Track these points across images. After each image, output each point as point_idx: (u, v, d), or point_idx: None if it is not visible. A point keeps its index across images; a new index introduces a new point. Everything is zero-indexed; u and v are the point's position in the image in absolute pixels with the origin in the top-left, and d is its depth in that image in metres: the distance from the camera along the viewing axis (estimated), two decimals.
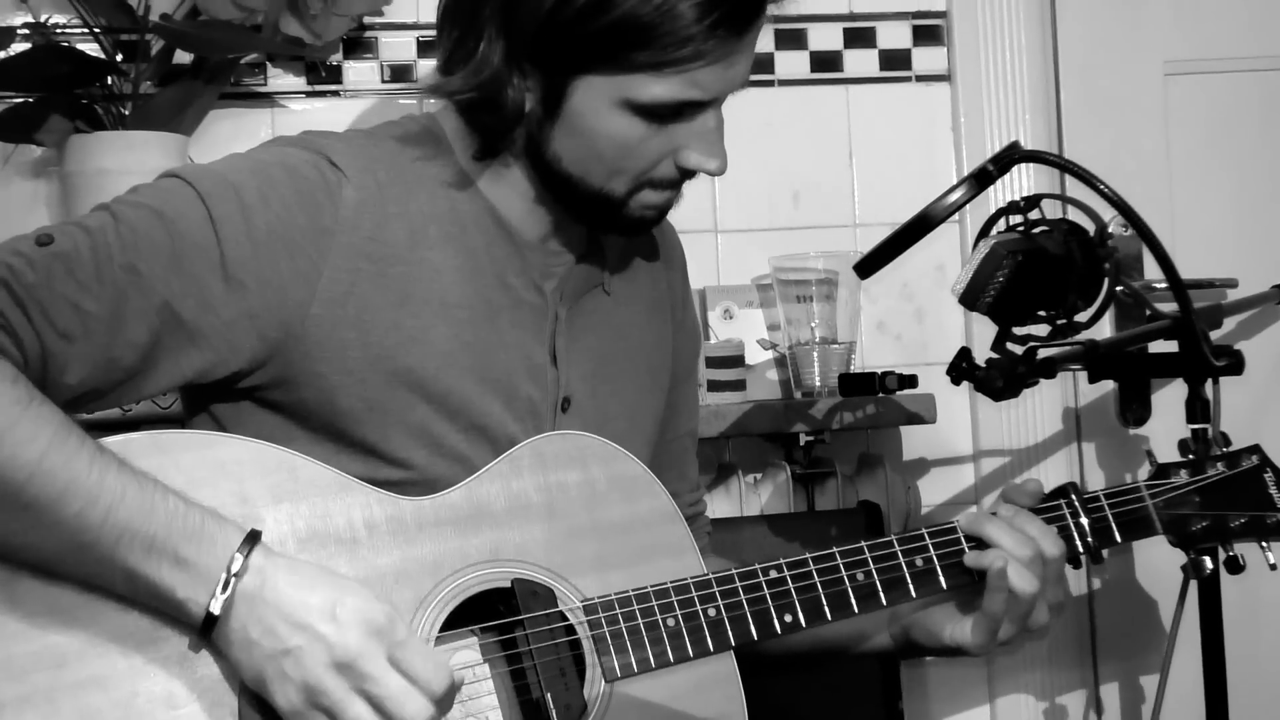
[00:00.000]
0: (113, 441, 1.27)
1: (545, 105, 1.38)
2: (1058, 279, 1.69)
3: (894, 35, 2.60)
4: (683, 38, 1.33)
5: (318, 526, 1.33)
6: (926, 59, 2.61)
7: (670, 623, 1.40)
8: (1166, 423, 2.09)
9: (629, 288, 1.58)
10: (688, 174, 1.43)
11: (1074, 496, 1.62)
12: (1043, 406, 2.55)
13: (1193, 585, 1.82)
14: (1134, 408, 2.29)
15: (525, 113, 1.39)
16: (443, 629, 1.35)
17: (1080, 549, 1.60)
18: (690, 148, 1.40)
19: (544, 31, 1.35)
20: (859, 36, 2.58)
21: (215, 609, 1.24)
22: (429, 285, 1.41)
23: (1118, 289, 1.74)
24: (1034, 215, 1.73)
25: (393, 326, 1.39)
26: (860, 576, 1.48)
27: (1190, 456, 1.71)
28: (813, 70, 2.55)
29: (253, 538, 1.26)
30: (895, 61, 2.60)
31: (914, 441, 2.55)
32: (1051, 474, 2.53)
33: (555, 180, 1.42)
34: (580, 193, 1.41)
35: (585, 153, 1.39)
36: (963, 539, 1.54)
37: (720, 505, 2.40)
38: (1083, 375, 2.09)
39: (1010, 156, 1.67)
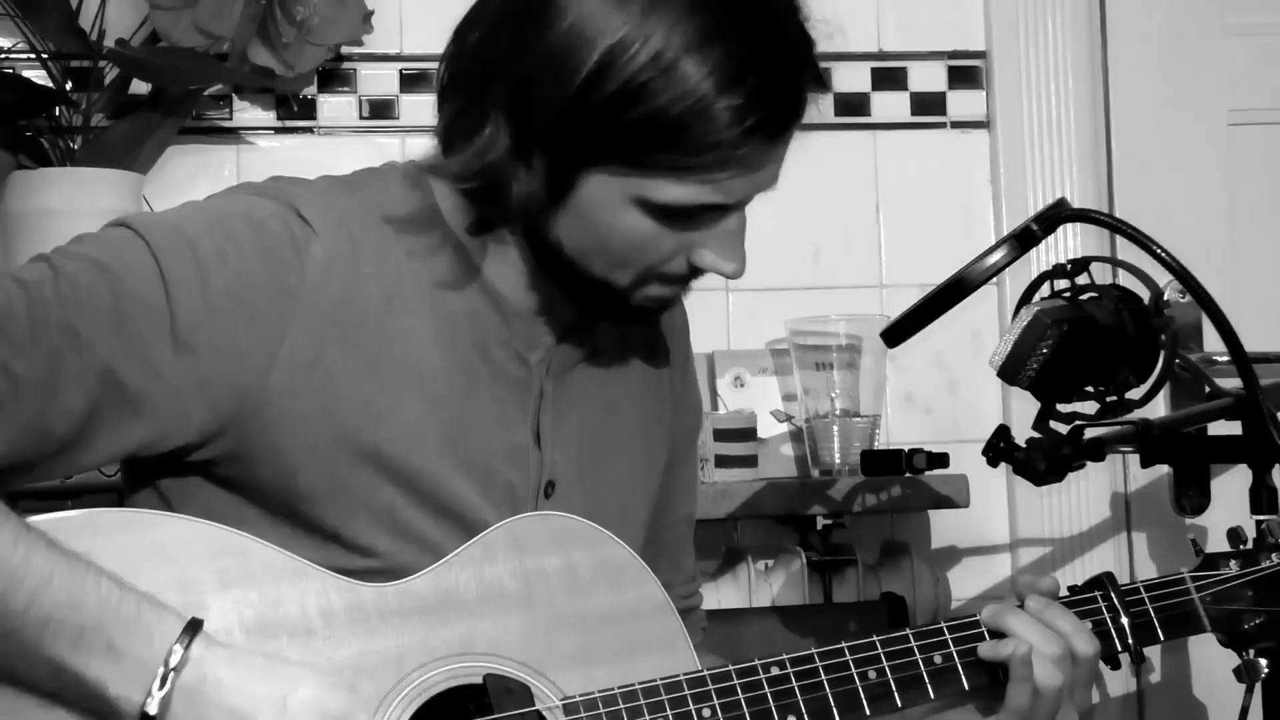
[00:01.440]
0: (44, 520, 1.26)
1: (550, 191, 1.37)
2: (1107, 351, 1.68)
3: (928, 76, 2.60)
4: (712, 142, 1.33)
5: (268, 615, 1.31)
6: (963, 103, 2.61)
7: None
8: (1227, 512, 2.08)
9: (624, 357, 1.57)
10: (700, 271, 1.43)
11: (1110, 589, 1.60)
12: (1089, 492, 2.54)
13: (1258, 688, 1.79)
14: (1191, 495, 2.27)
15: (529, 196, 1.38)
16: None
17: (1119, 647, 1.58)
18: (706, 247, 1.40)
19: (559, 121, 1.34)
20: (889, 77, 2.59)
21: (151, 709, 1.22)
22: (402, 355, 1.41)
23: (1174, 363, 1.73)
24: (1082, 280, 1.72)
25: (360, 399, 1.38)
26: (872, 674, 1.47)
27: (1242, 547, 1.69)
28: (837, 114, 2.55)
29: (193, 627, 1.24)
30: (929, 105, 2.60)
31: (944, 528, 2.54)
32: (1097, 566, 2.51)
33: (555, 264, 1.42)
34: (581, 279, 1.42)
35: (591, 243, 1.39)
36: (986, 634, 1.52)
37: (727, 595, 2.38)
38: (1134, 458, 2.07)
39: (1056, 215, 1.66)
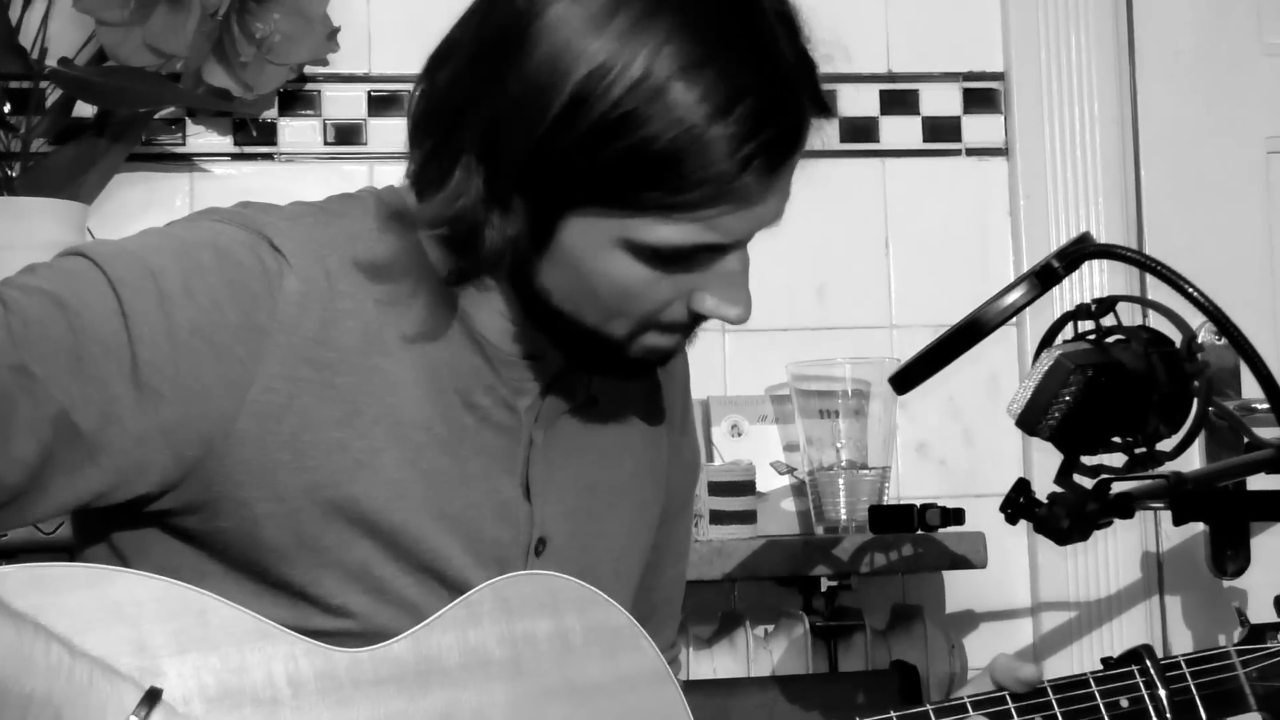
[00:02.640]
0: None
1: (532, 237, 1.37)
2: (1136, 399, 1.69)
3: (941, 99, 2.62)
4: (705, 176, 1.30)
5: (231, 683, 1.31)
6: (980, 128, 2.63)
7: None
8: (1269, 574, 2.09)
9: (620, 403, 1.57)
10: (702, 317, 1.42)
11: (1149, 663, 1.61)
12: (1118, 552, 2.54)
13: None
14: (1229, 555, 2.28)
15: (505, 243, 1.38)
16: None
17: None
18: (706, 291, 1.39)
19: (533, 161, 1.33)
20: (899, 100, 2.61)
21: None
22: (381, 399, 1.41)
23: (1209, 411, 1.74)
24: (1108, 322, 1.73)
25: (336, 448, 1.39)
26: None
27: None
28: (843, 139, 2.57)
29: (151, 696, 1.24)
30: (942, 131, 2.62)
31: (960, 590, 2.54)
32: (1128, 633, 2.51)
33: (543, 314, 1.41)
34: (572, 330, 1.40)
35: (580, 292, 1.38)
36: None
37: (723, 663, 2.38)
38: (1167, 515, 2.07)
39: (1079, 251, 1.67)
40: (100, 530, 1.42)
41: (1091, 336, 1.72)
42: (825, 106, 1.37)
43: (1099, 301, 1.73)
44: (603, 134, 1.30)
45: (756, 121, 1.31)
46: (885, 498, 2.42)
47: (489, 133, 1.34)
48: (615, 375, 1.49)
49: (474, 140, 1.35)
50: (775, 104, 1.32)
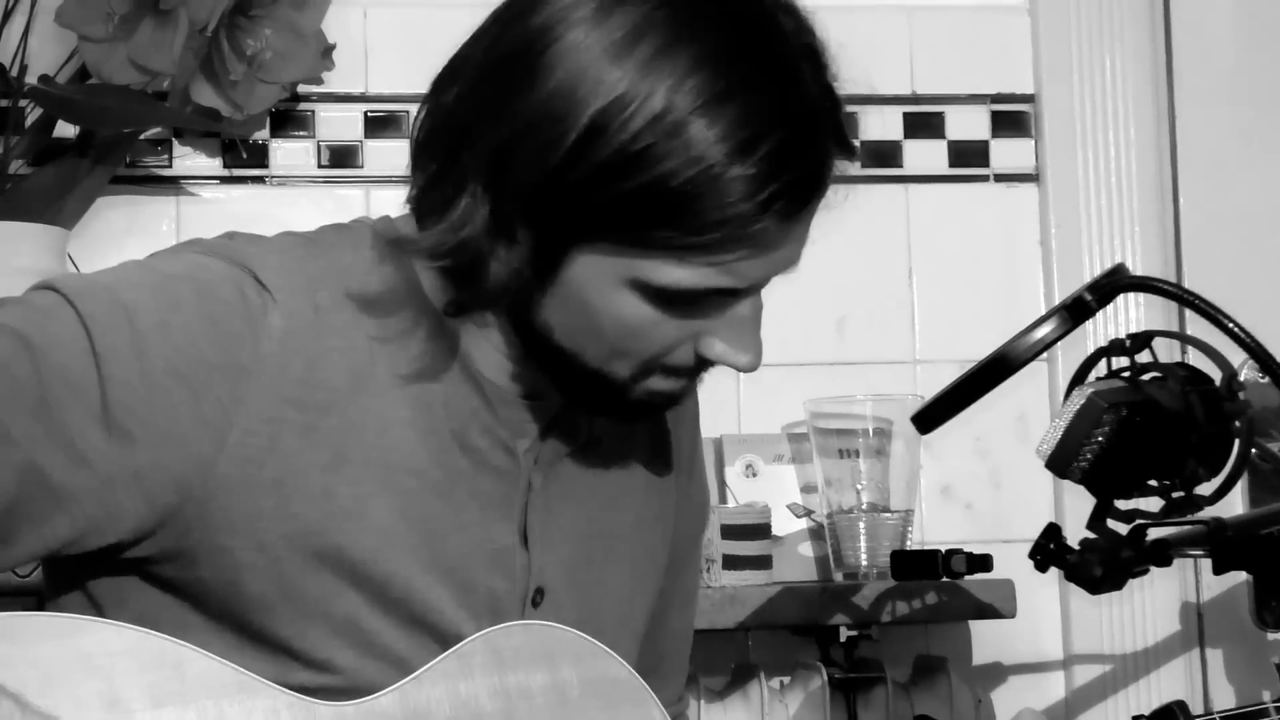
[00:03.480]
0: None
1: (536, 271, 1.37)
2: (1173, 440, 1.69)
3: (968, 123, 2.62)
4: (722, 219, 1.30)
5: None
6: (1009, 153, 2.63)
7: None
8: None
9: (625, 446, 1.57)
10: (709, 362, 1.41)
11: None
12: (1155, 602, 2.53)
13: None
14: (1274, 606, 2.26)
15: (510, 276, 1.38)
16: None
17: None
18: (715, 336, 1.38)
19: (544, 191, 1.33)
20: (924, 123, 2.61)
21: None
22: (371, 443, 1.41)
23: (1251, 453, 1.73)
24: (1143, 358, 1.72)
25: (322, 494, 1.38)
26: None
27: None
28: (865, 164, 2.57)
29: None
30: (969, 155, 2.62)
31: (987, 641, 2.54)
32: (1165, 687, 2.51)
33: (543, 351, 1.41)
34: (573, 370, 1.41)
35: (582, 329, 1.38)
36: None
37: (736, 717, 2.38)
38: (1207, 563, 2.07)
39: (1114, 283, 1.67)
40: (75, 578, 1.42)
41: (1126, 374, 1.71)
42: (850, 147, 1.38)
43: (1134, 337, 1.73)
44: (618, 168, 1.30)
45: (778, 163, 1.31)
46: (908, 542, 2.42)
47: (497, 159, 1.34)
48: (616, 418, 1.49)
49: (481, 167, 1.35)
50: (798, 145, 1.32)
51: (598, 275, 1.35)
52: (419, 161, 1.41)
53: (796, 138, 1.32)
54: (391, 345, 1.42)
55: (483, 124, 1.35)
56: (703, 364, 1.41)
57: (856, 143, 2.62)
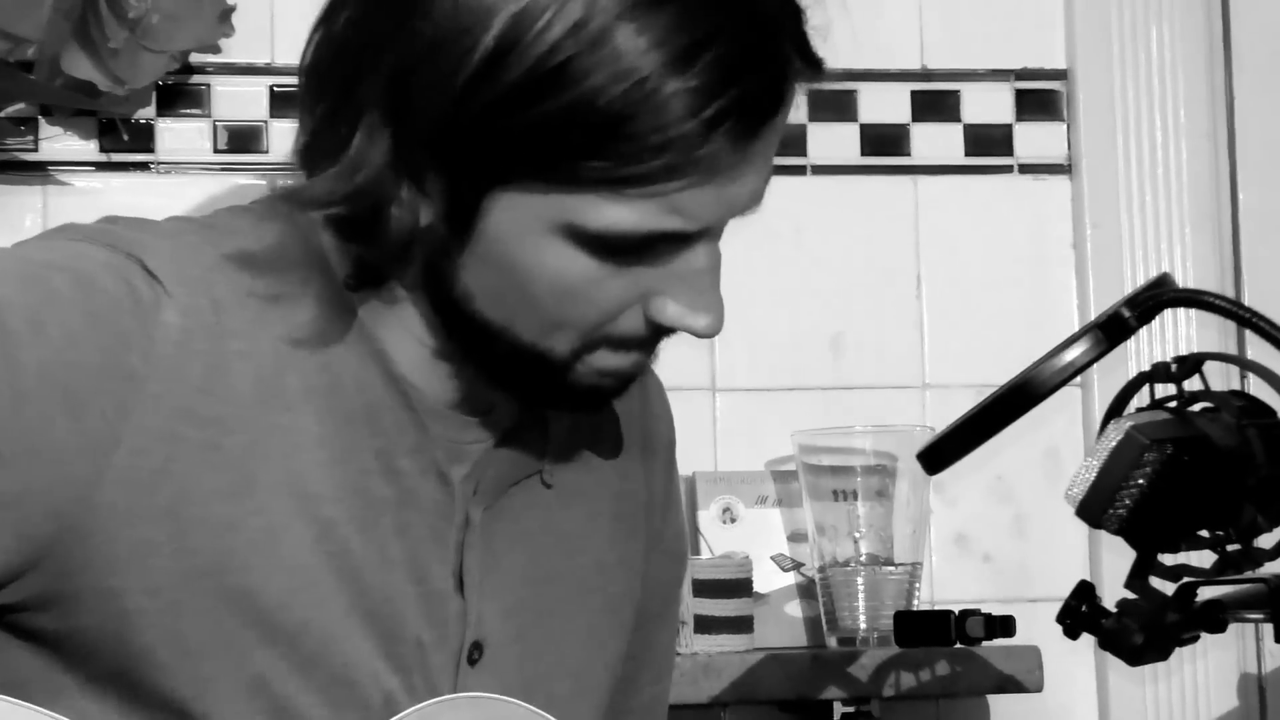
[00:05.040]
0: None
1: (450, 222, 1.37)
2: (1227, 482, 1.70)
3: (987, 103, 2.64)
4: (661, 142, 1.31)
5: None
6: (1036, 139, 2.65)
7: None
8: None
9: (583, 477, 1.57)
10: (664, 330, 1.42)
11: None
12: (1207, 674, 2.55)
13: None
14: None
15: (417, 231, 1.38)
16: None
17: None
18: (667, 293, 1.39)
19: (450, 122, 1.33)
20: (934, 104, 2.62)
21: None
22: (281, 465, 1.41)
23: None
24: (1193, 385, 1.74)
25: (224, 526, 1.38)
26: None
27: None
28: (865, 153, 2.58)
29: None
30: (988, 142, 2.64)
31: (1010, 718, 2.54)
32: None
33: (466, 327, 1.41)
34: (503, 348, 1.40)
35: (510, 293, 1.38)
36: None
37: None
38: (1268, 629, 2.08)
39: (1157, 297, 1.68)
40: None
41: (1172, 404, 1.72)
42: (811, 58, 1.38)
43: (1181, 360, 1.74)
44: (535, 88, 1.31)
45: (725, 73, 1.31)
46: (915, 602, 2.43)
47: (396, 87, 1.35)
48: (558, 407, 1.49)
49: (378, 97, 1.36)
50: (749, 53, 1.33)
51: (522, 222, 1.35)
52: (307, 100, 1.42)
53: (746, 44, 1.33)
54: (279, 308, 1.42)
55: (377, 48, 1.36)
56: (657, 332, 1.41)
57: (857, 125, 2.64)
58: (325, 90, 1.40)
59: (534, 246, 1.36)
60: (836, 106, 2.53)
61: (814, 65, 1.38)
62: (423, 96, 1.34)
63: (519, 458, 1.52)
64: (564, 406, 1.49)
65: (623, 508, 1.61)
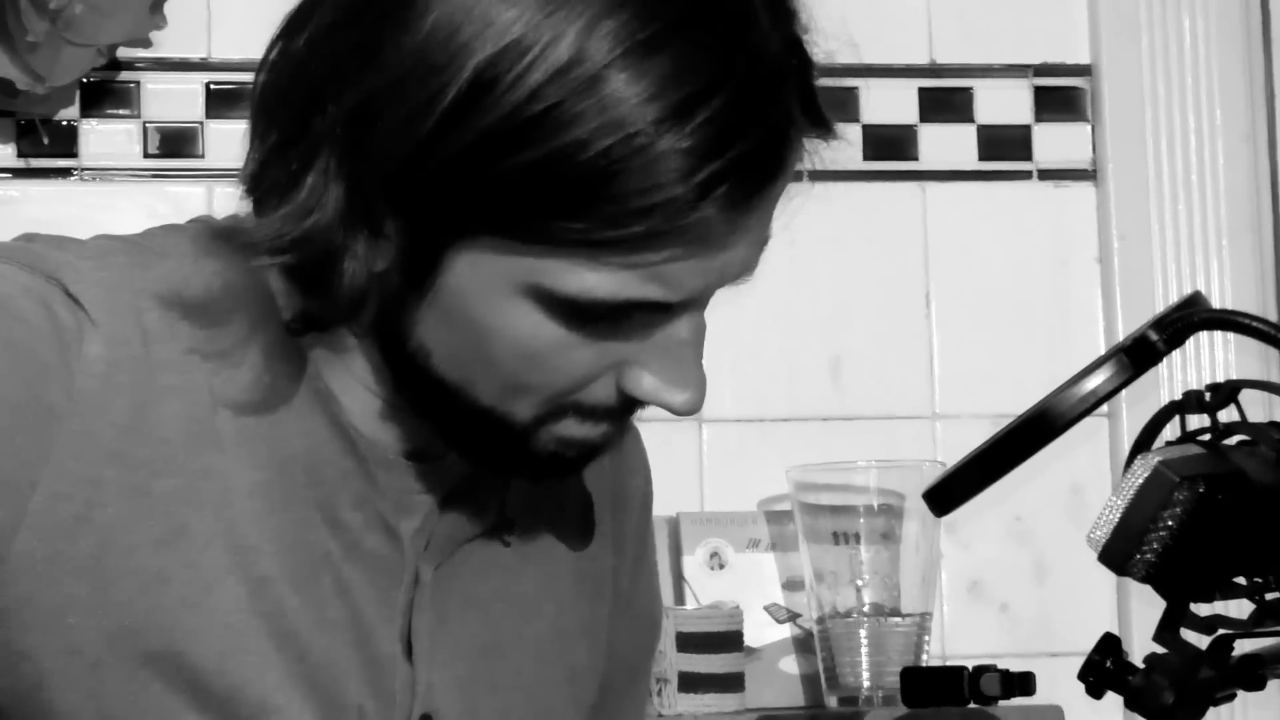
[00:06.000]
0: None
1: (408, 273, 1.36)
2: (1266, 525, 1.71)
3: (1003, 102, 2.65)
4: (649, 205, 1.29)
5: None
6: (1057, 142, 2.66)
7: None
8: None
9: (545, 532, 1.57)
10: (636, 402, 1.40)
11: None
12: None
13: None
14: None
15: (372, 280, 1.38)
16: None
17: None
18: (643, 366, 1.38)
19: (414, 168, 1.32)
20: (945, 103, 2.63)
21: None
22: (215, 514, 1.41)
23: None
24: (1228, 416, 1.74)
25: (154, 579, 1.39)
26: None
27: None
28: (868, 156, 2.59)
29: None
30: (1005, 145, 2.64)
31: None
32: None
33: (420, 383, 1.41)
34: (459, 408, 1.40)
35: (468, 352, 1.38)
36: None
37: None
38: None
39: (1187, 319, 1.68)
40: None
41: (1205, 437, 1.73)
42: (821, 119, 1.38)
43: (1215, 388, 1.74)
44: (511, 136, 1.30)
45: (722, 134, 1.30)
46: (924, 657, 2.43)
47: (356, 125, 1.34)
48: (516, 475, 1.49)
49: (335, 135, 1.35)
50: (749, 111, 1.32)
51: (486, 280, 1.35)
52: (258, 126, 1.41)
53: (747, 100, 1.31)
54: (221, 365, 1.42)
55: (338, 78, 1.35)
56: (629, 404, 1.41)
57: (859, 126, 2.65)
58: (278, 117, 1.39)
59: (498, 307, 1.36)
60: (836, 106, 2.52)
61: (820, 124, 1.38)
62: (385, 137, 1.33)
63: (475, 512, 1.52)
64: (523, 475, 1.48)
65: (586, 568, 1.61)
